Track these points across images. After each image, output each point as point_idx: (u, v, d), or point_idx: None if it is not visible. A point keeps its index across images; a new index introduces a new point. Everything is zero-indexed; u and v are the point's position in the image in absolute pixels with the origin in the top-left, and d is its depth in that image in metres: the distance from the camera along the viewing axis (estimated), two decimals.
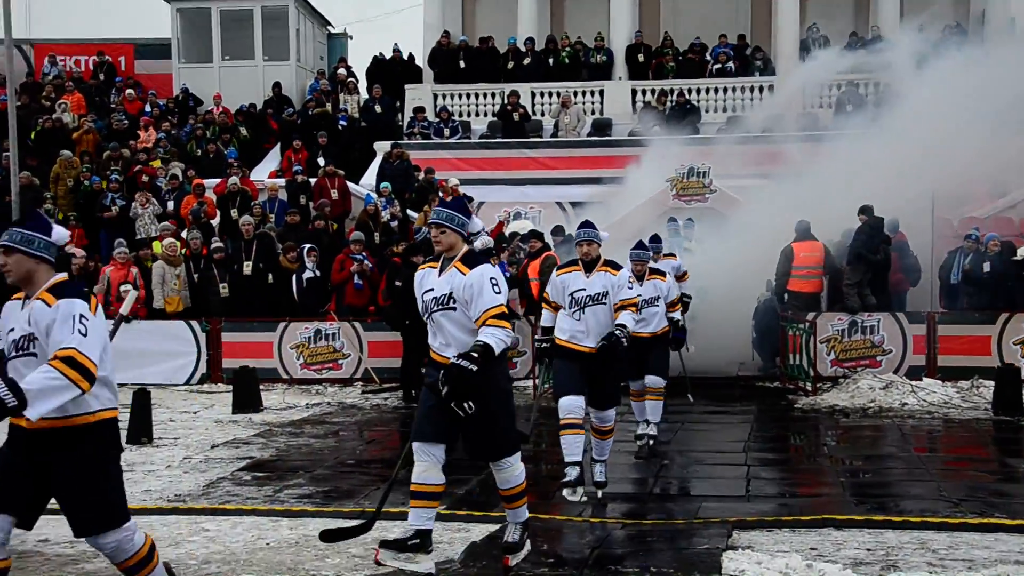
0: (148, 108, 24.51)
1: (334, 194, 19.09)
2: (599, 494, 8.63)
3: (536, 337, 9.07)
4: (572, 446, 8.16)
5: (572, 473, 8.10)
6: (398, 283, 14.30)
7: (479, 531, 7.58)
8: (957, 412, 12.95)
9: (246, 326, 16.14)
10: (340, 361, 15.93)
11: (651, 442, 10.60)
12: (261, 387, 14.31)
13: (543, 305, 8.69)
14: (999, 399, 12.75)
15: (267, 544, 7.35)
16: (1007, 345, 14.51)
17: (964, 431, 11.94)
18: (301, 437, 11.90)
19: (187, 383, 16.00)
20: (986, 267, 14.94)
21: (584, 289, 8.28)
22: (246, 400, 13.73)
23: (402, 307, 14.14)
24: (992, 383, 13.22)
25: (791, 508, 8.32)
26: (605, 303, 8.26)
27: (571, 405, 8.13)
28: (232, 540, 7.44)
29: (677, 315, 10.90)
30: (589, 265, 8.36)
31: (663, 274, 10.64)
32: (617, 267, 8.42)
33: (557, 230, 16.96)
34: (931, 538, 7.28)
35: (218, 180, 19.54)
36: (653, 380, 10.47)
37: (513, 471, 6.56)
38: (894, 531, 7.47)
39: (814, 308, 15.32)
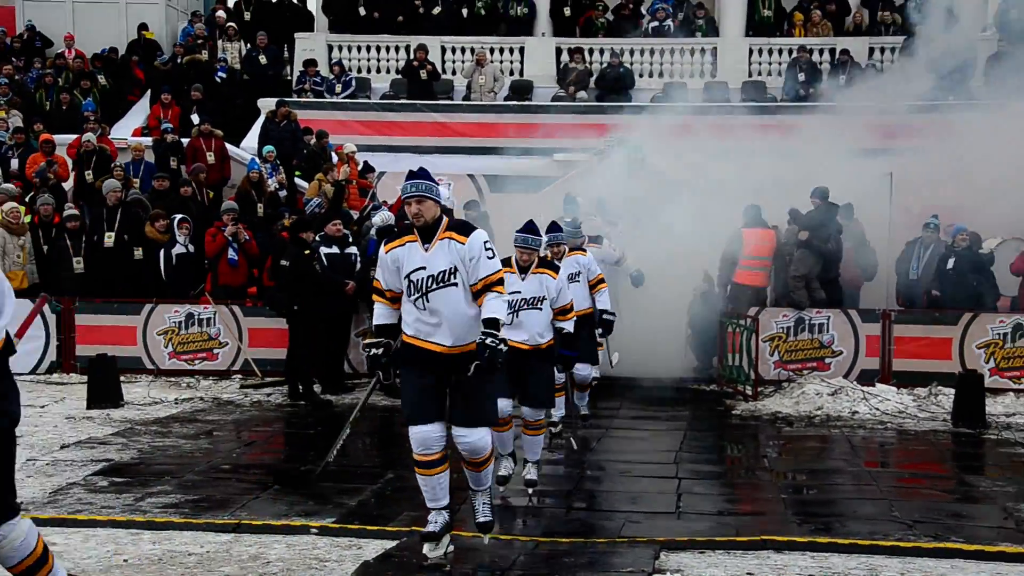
0: None
1: (210, 157, 18.89)
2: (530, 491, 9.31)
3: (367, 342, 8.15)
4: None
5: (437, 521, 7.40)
6: (284, 262, 14.22)
7: (372, 548, 7.59)
8: (913, 423, 13.25)
9: (105, 307, 15.90)
10: (216, 350, 15.80)
11: (531, 490, 9.41)
12: (122, 379, 14.12)
13: (375, 297, 7.52)
14: (959, 409, 13.07)
15: (125, 560, 7.28)
16: (969, 349, 14.88)
17: (920, 444, 12.23)
18: (168, 437, 11.77)
19: (33, 372, 15.71)
20: (950, 263, 15.30)
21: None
22: (103, 393, 13.55)
23: (289, 289, 14.07)
24: (952, 391, 13.51)
25: (726, 527, 8.46)
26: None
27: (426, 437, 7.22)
28: (84, 556, 7.36)
29: (568, 325, 9.37)
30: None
31: (555, 269, 9.37)
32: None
33: (470, 205, 16.98)
34: (881, 564, 7.45)
35: (72, 136, 19.16)
36: (531, 412, 9.29)
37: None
38: (840, 555, 7.63)
39: (760, 303, 15.57)
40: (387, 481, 9.77)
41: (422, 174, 7.04)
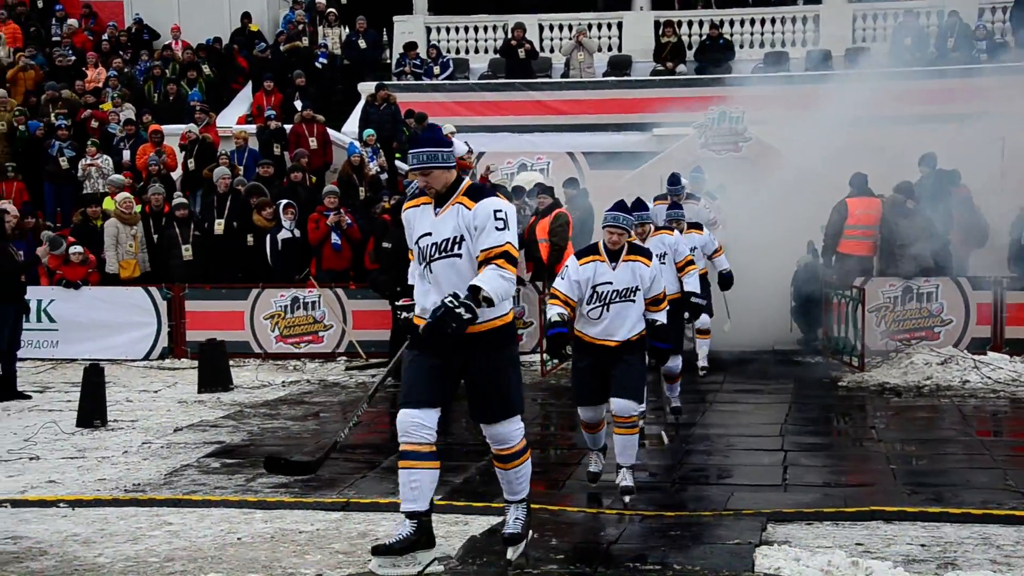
0: (98, 40, 24.44)
1: (312, 143, 19.11)
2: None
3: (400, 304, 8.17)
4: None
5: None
6: (387, 244, 14.35)
7: (479, 524, 7.65)
8: None
9: (213, 293, 16.25)
10: (321, 333, 16.03)
11: (627, 499, 8.48)
12: (231, 363, 14.41)
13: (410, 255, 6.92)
14: None
15: (238, 539, 7.41)
16: None
17: None
18: (277, 419, 11.98)
19: (146, 358, 16.12)
20: None
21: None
22: (213, 377, 13.81)
23: (392, 272, 14.19)
24: None
25: (834, 499, 8.36)
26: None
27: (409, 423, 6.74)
28: (199, 535, 7.51)
29: (661, 316, 8.64)
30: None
31: (647, 256, 8.53)
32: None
33: (570, 183, 16.95)
34: (995, 533, 7.32)
35: (180, 127, 19.53)
36: (621, 405, 8.34)
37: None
38: (952, 525, 7.51)
39: (867, 273, 15.34)
40: (490, 460, 9.79)
41: (424, 140, 6.47)
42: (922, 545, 7.08)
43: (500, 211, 6.31)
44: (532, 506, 7.06)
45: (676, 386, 11.32)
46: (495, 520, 7.60)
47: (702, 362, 14.04)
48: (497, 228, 6.26)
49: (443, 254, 6.34)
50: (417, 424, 6.45)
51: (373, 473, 9.36)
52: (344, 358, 15.86)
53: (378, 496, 8.44)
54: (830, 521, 7.68)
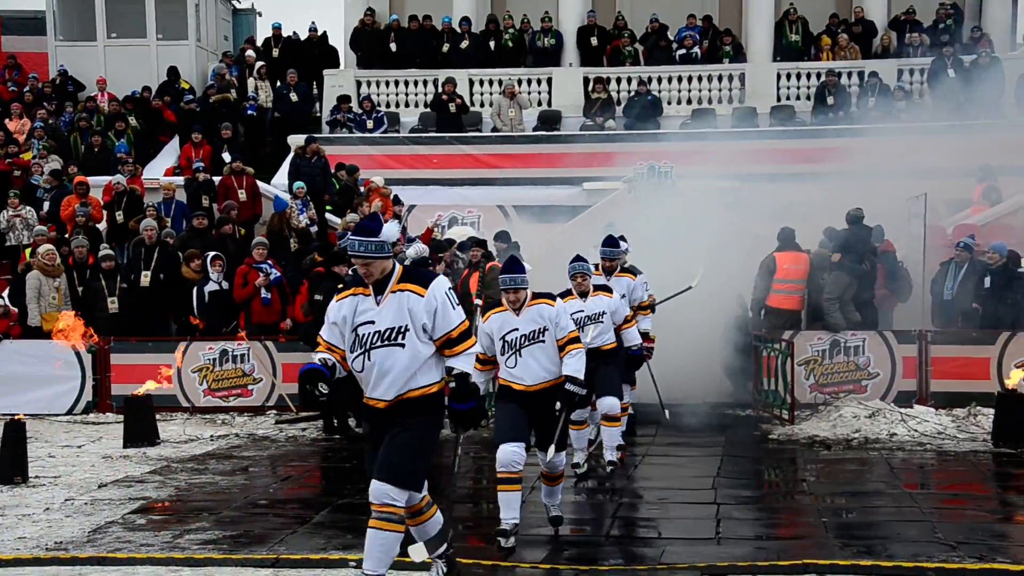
0: (20, 91, 24.21)
1: (242, 195, 18.97)
2: (556, 531, 8.89)
3: None
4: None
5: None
6: (319, 296, 14.23)
7: None
8: (952, 443, 13.13)
9: (140, 346, 15.99)
10: (250, 386, 15.85)
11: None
12: (157, 417, 14.15)
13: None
14: (999, 429, 12.92)
15: None
16: (1008, 368, 14.69)
17: (960, 465, 12.10)
18: (205, 474, 11.79)
19: (70, 412, 15.81)
20: (987, 282, 15.18)
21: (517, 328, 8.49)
22: (140, 432, 13.59)
23: (323, 324, 14.06)
24: (991, 411, 13.39)
25: (767, 551, 8.39)
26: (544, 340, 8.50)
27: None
28: None
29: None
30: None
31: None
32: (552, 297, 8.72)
33: (501, 236, 16.99)
34: None
35: (106, 179, 19.31)
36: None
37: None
38: None
39: (794, 326, 15.50)
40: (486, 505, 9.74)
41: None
42: None
43: (450, 289, 6.57)
44: (464, 560, 7.02)
45: (557, 489, 9.14)
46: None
47: (609, 456, 10.99)
48: (453, 307, 6.50)
49: (385, 342, 6.44)
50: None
51: (303, 529, 9.23)
52: (274, 411, 15.67)
53: (309, 552, 8.32)
54: (764, 575, 7.69)
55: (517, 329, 8.44)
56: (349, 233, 7.12)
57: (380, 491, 6.35)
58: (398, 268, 6.54)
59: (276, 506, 10.26)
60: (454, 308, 6.50)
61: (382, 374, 6.46)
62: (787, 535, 9.26)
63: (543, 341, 8.46)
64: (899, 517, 9.59)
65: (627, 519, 9.77)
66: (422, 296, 6.42)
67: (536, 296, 8.58)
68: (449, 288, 6.55)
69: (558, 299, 8.76)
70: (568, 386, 8.48)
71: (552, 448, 8.55)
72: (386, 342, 6.41)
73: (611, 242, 11.76)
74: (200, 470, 12.01)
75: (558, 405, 8.46)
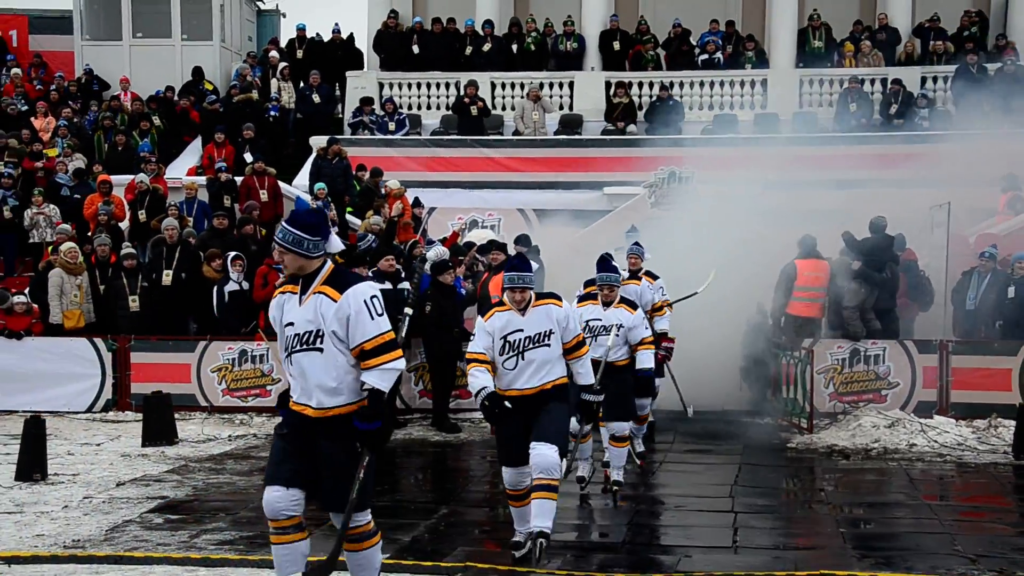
0: (46, 90, 24.36)
1: (263, 195, 19.03)
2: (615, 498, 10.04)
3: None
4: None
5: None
6: None
7: None
8: (972, 455, 13.04)
9: (159, 345, 16.02)
10: (268, 387, 15.84)
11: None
12: (176, 416, 14.16)
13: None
14: (1020, 441, 12.82)
15: None
16: None
17: (980, 477, 12.02)
18: (222, 474, 11.80)
19: (89, 410, 15.83)
20: (1011, 292, 15.08)
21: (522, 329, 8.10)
22: (158, 431, 13.60)
23: None
24: (1012, 422, 13.27)
25: (784, 561, 8.35)
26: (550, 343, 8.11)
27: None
28: None
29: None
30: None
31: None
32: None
33: (521, 240, 16.97)
34: None
35: (129, 178, 19.42)
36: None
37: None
38: None
39: (814, 334, 15.42)
40: (441, 516, 9.74)
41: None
42: None
43: (374, 297, 6.06)
44: (480, 565, 7.00)
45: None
46: None
47: (615, 475, 10.54)
48: (372, 316, 5.99)
49: (304, 347, 6.03)
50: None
51: (319, 531, 9.19)
52: None
53: (325, 553, 8.28)
54: None
55: (522, 330, 8.02)
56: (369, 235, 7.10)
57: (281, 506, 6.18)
58: (327, 268, 6.10)
59: None
60: (373, 318, 5.98)
61: (304, 379, 6.07)
62: (805, 545, 9.20)
63: (548, 345, 8.04)
64: (918, 529, 9.52)
65: (644, 526, 9.72)
66: (335, 301, 5.96)
67: (540, 296, 8.25)
68: (373, 296, 6.04)
69: (564, 300, 8.38)
70: (585, 395, 8.42)
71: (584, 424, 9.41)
72: (304, 346, 6.02)
73: (608, 267, 10.44)
74: (218, 470, 12.02)
75: (576, 417, 8.58)
